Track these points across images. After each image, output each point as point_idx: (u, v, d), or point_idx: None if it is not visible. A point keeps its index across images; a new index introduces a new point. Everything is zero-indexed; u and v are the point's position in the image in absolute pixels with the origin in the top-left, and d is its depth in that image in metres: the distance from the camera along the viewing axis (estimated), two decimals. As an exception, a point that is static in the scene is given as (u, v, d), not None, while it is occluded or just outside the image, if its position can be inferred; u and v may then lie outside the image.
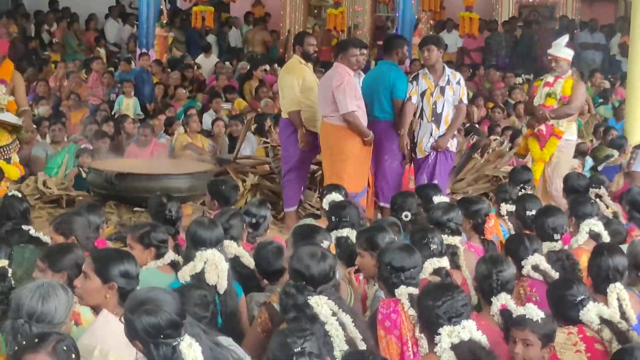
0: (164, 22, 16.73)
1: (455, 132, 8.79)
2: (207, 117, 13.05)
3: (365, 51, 8.88)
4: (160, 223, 5.68)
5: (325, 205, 6.55)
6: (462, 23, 16.16)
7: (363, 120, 8.39)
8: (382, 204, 8.67)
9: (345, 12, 17.65)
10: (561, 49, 9.00)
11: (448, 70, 8.65)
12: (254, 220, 6.14)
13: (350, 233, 5.72)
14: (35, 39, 19.13)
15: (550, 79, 9.04)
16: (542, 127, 8.89)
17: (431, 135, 8.55)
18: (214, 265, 4.86)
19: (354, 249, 5.43)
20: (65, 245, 4.81)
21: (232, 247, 5.46)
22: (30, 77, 15.45)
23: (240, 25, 20.12)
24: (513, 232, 6.62)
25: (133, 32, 19.38)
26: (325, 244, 5.13)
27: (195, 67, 16.46)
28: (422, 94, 8.55)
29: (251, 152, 11.09)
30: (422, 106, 8.57)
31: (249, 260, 5.43)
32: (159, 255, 5.30)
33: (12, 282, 4.44)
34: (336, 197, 6.59)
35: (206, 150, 10.95)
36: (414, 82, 8.60)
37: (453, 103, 8.58)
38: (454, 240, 5.71)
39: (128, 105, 13.50)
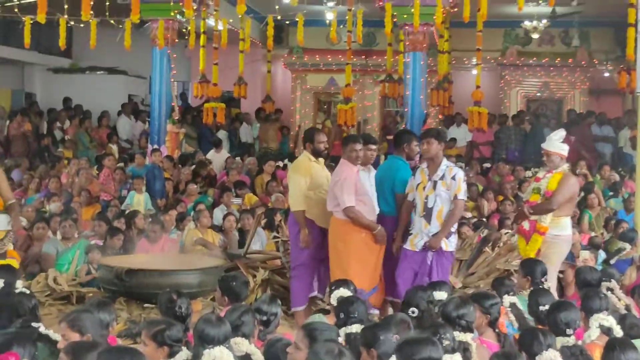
0: (176, 118, 16.91)
1: (453, 230, 8.43)
2: (218, 212, 13.09)
3: (372, 146, 8.93)
4: (173, 320, 5.65)
5: (334, 301, 6.52)
6: (470, 117, 16.24)
7: (370, 214, 8.42)
8: (390, 299, 8.64)
9: (355, 107, 17.84)
10: (554, 144, 8.69)
11: (445, 165, 8.43)
12: (265, 318, 6.11)
13: (359, 329, 5.66)
14: (47, 136, 19.35)
15: (541, 174, 8.89)
16: (525, 223, 8.64)
17: (422, 231, 8.34)
18: None
19: None
20: (90, 342, 4.77)
21: (244, 345, 5.41)
22: (43, 174, 15.59)
23: (251, 121, 20.35)
24: (516, 325, 6.56)
25: (145, 128, 19.61)
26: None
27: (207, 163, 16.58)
28: (417, 187, 8.44)
29: (261, 246, 11.10)
30: (415, 199, 8.43)
31: (259, 358, 5.37)
32: (172, 354, 5.25)
33: None
34: (344, 292, 6.56)
35: (216, 246, 10.95)
36: (413, 177, 8.53)
37: (448, 199, 8.32)
38: (466, 337, 5.65)
39: (139, 200, 13.55)
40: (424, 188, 8.35)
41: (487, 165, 17.28)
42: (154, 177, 14.54)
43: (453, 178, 8.32)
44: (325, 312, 7.09)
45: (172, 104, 16.85)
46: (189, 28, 16.39)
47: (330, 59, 20.91)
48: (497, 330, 6.13)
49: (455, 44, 19.71)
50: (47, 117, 20.83)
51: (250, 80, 19.78)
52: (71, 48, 21.72)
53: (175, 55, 16.77)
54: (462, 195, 8.45)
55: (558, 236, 8.53)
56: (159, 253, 10.20)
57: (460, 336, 5.56)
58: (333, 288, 6.76)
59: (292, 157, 16.81)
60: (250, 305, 6.25)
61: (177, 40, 16.61)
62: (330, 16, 17.00)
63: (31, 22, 15.63)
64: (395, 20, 15.15)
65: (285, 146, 20.01)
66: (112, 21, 16.51)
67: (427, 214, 8.31)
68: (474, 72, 17.36)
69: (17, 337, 4.56)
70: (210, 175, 16.01)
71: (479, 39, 16.16)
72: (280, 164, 16.50)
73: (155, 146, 15.99)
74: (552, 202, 8.45)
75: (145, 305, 8.70)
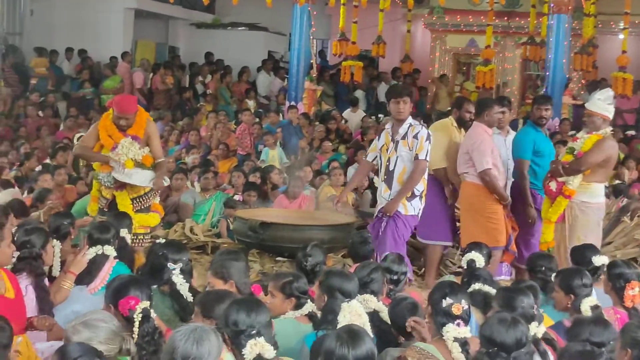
0: (314, 76, 17.02)
1: (417, 193, 7.84)
2: (352, 171, 13.12)
3: (504, 109, 8.74)
4: (302, 274, 5.73)
5: (464, 264, 6.51)
6: (615, 83, 15.74)
7: (502, 181, 8.28)
8: (517, 265, 8.53)
9: (495, 69, 17.53)
10: (597, 103, 7.90)
11: (407, 123, 7.87)
12: (395, 277, 6.13)
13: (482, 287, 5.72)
14: (189, 90, 19.79)
15: (580, 134, 8.14)
16: (552, 183, 7.86)
17: (381, 196, 7.92)
18: (357, 317, 4.88)
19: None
20: (219, 293, 4.88)
21: (372, 302, 5.46)
22: (185, 126, 15.99)
23: (389, 81, 20.26)
24: None
25: (283, 85, 19.80)
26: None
27: (343, 121, 16.63)
28: (380, 150, 7.99)
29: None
30: (380, 163, 7.98)
31: (386, 316, 5.40)
32: (298, 306, 5.34)
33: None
34: (476, 256, 6.51)
35: (349, 204, 11.00)
36: (378, 138, 8.07)
37: (410, 160, 7.82)
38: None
39: (274, 156, 13.72)
40: (387, 150, 7.89)
41: (631, 132, 16.73)
42: (290, 134, 14.71)
43: (415, 137, 7.79)
44: (458, 274, 7.05)
45: (311, 61, 16.96)
46: (329, -15, 16.41)
47: (471, 20, 20.56)
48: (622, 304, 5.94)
49: (602, 7, 19.03)
50: (189, 71, 21.30)
51: (389, 40, 19.69)
52: (214, 3, 22.04)
53: (315, 13, 16.84)
54: (424, 155, 7.82)
55: (587, 203, 7.83)
56: (297, 209, 10.31)
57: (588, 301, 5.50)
58: (466, 251, 6.72)
59: (428, 118, 16.70)
60: (380, 263, 6.28)
61: (317, -2, 16.67)
62: (473, -24, 16.73)
63: (177, -23, 15.97)
64: (540, -19, 14.80)
65: (422, 106, 19.86)
66: (254, -23, 16.70)
67: (388, 178, 7.86)
68: (621, 36, 16.79)
69: (133, 281, 4.72)
70: (346, 133, 16.07)
71: (627, 2, 15.61)
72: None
73: (292, 103, 16.14)
74: (581, 162, 7.73)
75: (278, 258, 8.84)
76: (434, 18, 21.18)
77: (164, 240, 6.28)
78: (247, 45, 22.17)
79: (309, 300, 5.39)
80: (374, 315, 5.32)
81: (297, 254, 6.31)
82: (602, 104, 7.87)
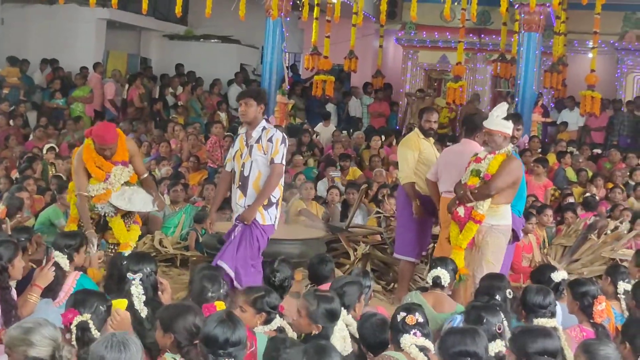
0: (285, 89, 17.05)
1: (273, 200, 7.43)
2: (321, 185, 13.17)
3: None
4: (271, 288, 5.74)
5: (429, 279, 6.59)
6: (583, 101, 15.88)
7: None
8: None
9: (465, 86, 17.65)
10: (495, 121, 7.58)
11: (261, 126, 7.48)
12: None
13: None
14: (159, 101, 19.73)
15: (482, 154, 7.74)
16: (460, 209, 7.59)
17: (236, 203, 7.47)
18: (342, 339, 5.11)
19: None
20: (182, 307, 4.88)
21: (343, 315, 5.44)
22: (155, 138, 15.94)
23: (360, 95, 20.33)
24: (626, 313, 6.43)
25: (255, 98, 19.75)
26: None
27: (315, 135, 16.66)
28: (234, 156, 7.61)
29: (362, 221, 11.12)
30: (234, 169, 7.58)
31: (354, 331, 5.42)
32: (268, 321, 5.35)
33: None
34: (442, 272, 6.59)
35: (319, 217, 11.02)
36: (232, 145, 7.71)
37: (265, 164, 7.38)
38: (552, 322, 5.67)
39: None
40: (241, 155, 7.49)
41: (598, 151, 16.89)
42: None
43: (270, 140, 7.38)
44: (424, 289, 7.08)
45: (283, 74, 16.99)
46: (303, 0, 16.45)
47: (443, 36, 20.72)
48: (591, 321, 6.01)
49: (572, 26, 19.28)
50: (160, 82, 21.25)
51: (361, 55, 19.77)
52: (187, 15, 22.05)
53: (288, 27, 16.88)
54: (279, 158, 7.38)
55: (496, 226, 7.61)
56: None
57: (548, 322, 5.61)
58: (432, 266, 6.78)
59: (398, 134, 16.76)
60: (356, 277, 6.28)
61: (290, 12, 16.72)
62: (445, -7, 16.81)
63: (149, -12, 15.96)
64: (511, -1, 14.93)
65: (393, 121, 19.94)
66: (228, -10, 16.71)
67: (243, 184, 7.42)
68: (590, 55, 16.95)
69: (81, 295, 4.84)
70: (317, 147, 16.09)
71: (596, 22, 15.75)
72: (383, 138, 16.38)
73: (265, 116, 16.12)
74: (490, 186, 7.45)
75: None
76: (405, 34, 21.30)
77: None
78: (219, 58, 22.16)
79: (277, 315, 5.39)
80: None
81: (265, 269, 6.31)
82: (501, 121, 7.60)
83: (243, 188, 7.41)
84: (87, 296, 4.82)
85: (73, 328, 4.58)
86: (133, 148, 8.17)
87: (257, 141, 7.41)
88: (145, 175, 8.25)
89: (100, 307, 4.78)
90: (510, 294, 6.20)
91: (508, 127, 7.57)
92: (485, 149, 7.76)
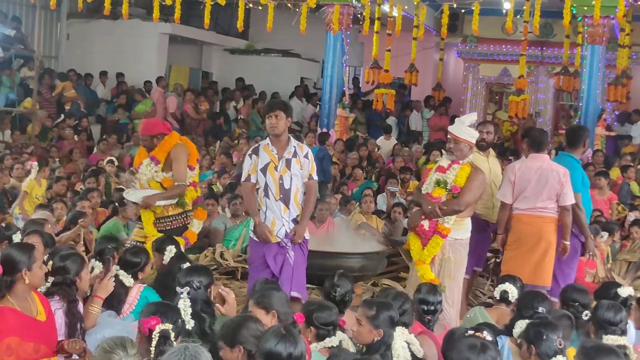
0: (346, 103, 17.06)
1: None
2: (381, 199, 13.12)
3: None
4: (330, 302, 5.71)
5: (497, 294, 6.49)
6: (648, 115, 15.69)
7: None
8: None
9: (527, 99, 17.49)
10: (463, 129, 7.39)
11: (294, 142, 7.44)
12: (432, 307, 6.15)
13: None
14: (221, 115, 19.88)
15: (444, 163, 7.52)
16: (425, 222, 7.39)
17: (281, 216, 7.32)
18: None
19: None
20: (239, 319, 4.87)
21: (404, 334, 5.39)
22: (218, 151, 16.04)
23: (421, 109, 20.26)
24: None
25: (315, 111, 19.86)
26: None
27: (376, 149, 16.63)
28: (264, 169, 7.38)
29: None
30: (267, 182, 7.34)
31: (418, 350, 5.37)
32: (320, 336, 5.33)
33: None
34: (509, 287, 6.50)
35: (379, 231, 10.98)
36: (252, 157, 7.45)
37: (302, 180, 7.36)
38: (622, 340, 5.55)
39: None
40: (276, 168, 7.33)
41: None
42: (321, 160, 14.70)
43: (306, 156, 7.38)
44: (488, 305, 7.00)
45: (344, 88, 17.01)
46: (364, 13, 16.47)
47: (504, 49, 20.57)
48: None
49: (636, 39, 19.00)
50: (222, 96, 21.42)
51: (422, 68, 19.72)
52: (248, 29, 22.23)
53: (348, 40, 16.91)
54: (315, 175, 7.46)
55: (459, 240, 7.46)
56: (323, 234, 10.28)
57: (618, 340, 5.50)
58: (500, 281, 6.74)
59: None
60: (409, 294, 6.24)
61: (351, 25, 16.74)
62: (507, 5, 16.66)
63: (211, 3, 16.13)
64: (574, 11, 14.76)
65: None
66: (288, 4, 16.81)
67: (285, 197, 7.32)
68: (655, 68, 16.71)
69: (161, 305, 4.80)
70: (378, 161, 16.06)
71: (662, 34, 15.55)
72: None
73: (324, 129, 16.16)
74: (460, 202, 7.30)
75: (307, 285, 8.81)
76: (467, 47, 21.20)
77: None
78: (279, 72, 22.31)
79: (331, 332, 5.36)
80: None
81: (325, 283, 6.28)
82: (469, 129, 7.47)
83: (285, 201, 7.33)
84: (167, 308, 4.79)
85: (155, 335, 4.51)
86: (177, 154, 8.14)
87: (294, 155, 7.36)
88: (180, 183, 8.14)
89: (179, 320, 4.79)
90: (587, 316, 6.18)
91: (474, 137, 7.49)
92: (447, 157, 7.57)
